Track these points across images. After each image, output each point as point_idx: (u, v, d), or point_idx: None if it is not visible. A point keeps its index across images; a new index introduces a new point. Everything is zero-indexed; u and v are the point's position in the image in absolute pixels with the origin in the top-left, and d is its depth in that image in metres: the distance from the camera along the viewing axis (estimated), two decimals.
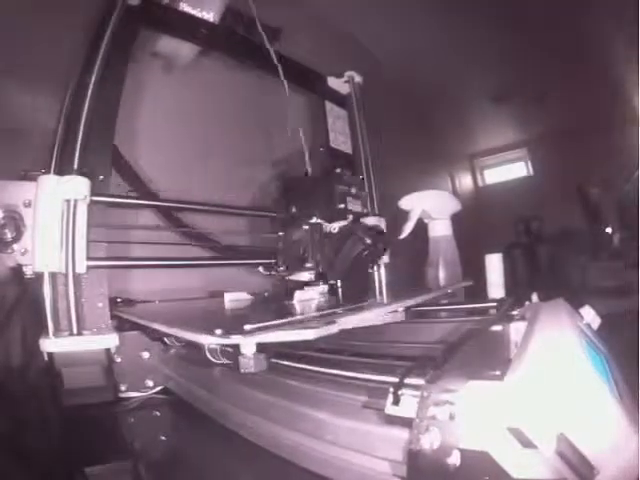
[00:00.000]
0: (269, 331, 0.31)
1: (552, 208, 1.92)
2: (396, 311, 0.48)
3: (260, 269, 0.68)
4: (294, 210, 0.65)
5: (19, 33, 0.72)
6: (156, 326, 0.40)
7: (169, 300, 0.72)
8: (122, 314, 0.51)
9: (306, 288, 0.63)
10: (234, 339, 0.30)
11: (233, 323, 0.36)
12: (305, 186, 0.67)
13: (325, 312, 0.42)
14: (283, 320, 0.36)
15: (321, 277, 0.65)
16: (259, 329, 0.32)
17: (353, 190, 0.65)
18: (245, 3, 0.79)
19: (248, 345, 0.30)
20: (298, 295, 0.60)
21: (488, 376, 0.24)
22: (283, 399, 0.31)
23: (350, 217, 0.65)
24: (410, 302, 0.51)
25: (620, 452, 0.21)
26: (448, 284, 0.70)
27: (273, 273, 0.66)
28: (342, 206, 0.63)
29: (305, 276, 0.64)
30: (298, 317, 0.39)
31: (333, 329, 0.33)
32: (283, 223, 0.66)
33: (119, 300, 0.62)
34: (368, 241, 0.60)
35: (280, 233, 0.65)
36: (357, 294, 0.72)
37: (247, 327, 0.32)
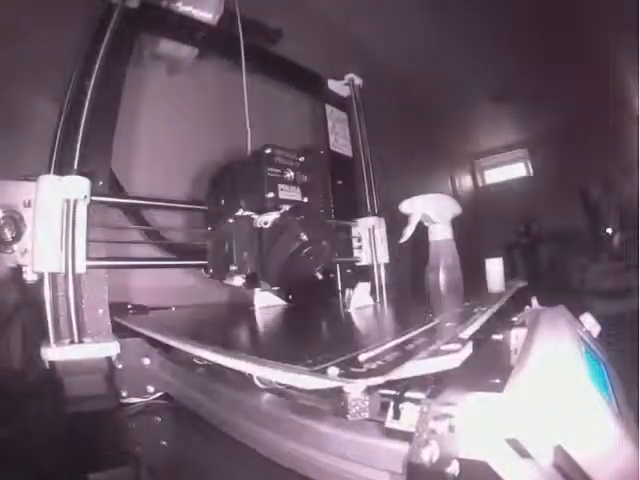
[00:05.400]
0: (402, 364, 0.22)
1: (552, 208, 1.92)
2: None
3: (202, 271, 0.57)
4: (222, 202, 0.54)
5: (19, 35, 0.72)
6: (216, 359, 0.29)
7: (185, 306, 0.66)
8: (145, 332, 0.43)
9: (360, 286, 0.56)
10: (360, 382, 0.21)
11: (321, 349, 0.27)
12: (234, 172, 0.55)
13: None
14: (398, 342, 0.27)
15: (253, 281, 0.54)
16: (390, 364, 0.23)
17: (289, 175, 0.53)
18: (245, 5, 0.79)
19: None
20: (354, 301, 0.54)
21: (487, 386, 0.24)
22: (284, 409, 0.31)
23: (284, 208, 0.52)
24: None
25: (617, 465, 0.21)
26: (448, 287, 0.69)
27: (207, 276, 0.56)
28: (271, 194, 0.51)
29: (238, 280, 0.54)
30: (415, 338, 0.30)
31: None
32: (213, 218, 0.56)
33: (130, 306, 0.57)
34: (304, 237, 0.48)
35: (209, 229, 0.55)
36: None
37: (362, 357, 0.24)
